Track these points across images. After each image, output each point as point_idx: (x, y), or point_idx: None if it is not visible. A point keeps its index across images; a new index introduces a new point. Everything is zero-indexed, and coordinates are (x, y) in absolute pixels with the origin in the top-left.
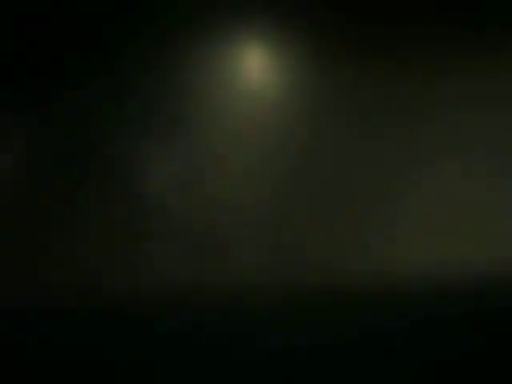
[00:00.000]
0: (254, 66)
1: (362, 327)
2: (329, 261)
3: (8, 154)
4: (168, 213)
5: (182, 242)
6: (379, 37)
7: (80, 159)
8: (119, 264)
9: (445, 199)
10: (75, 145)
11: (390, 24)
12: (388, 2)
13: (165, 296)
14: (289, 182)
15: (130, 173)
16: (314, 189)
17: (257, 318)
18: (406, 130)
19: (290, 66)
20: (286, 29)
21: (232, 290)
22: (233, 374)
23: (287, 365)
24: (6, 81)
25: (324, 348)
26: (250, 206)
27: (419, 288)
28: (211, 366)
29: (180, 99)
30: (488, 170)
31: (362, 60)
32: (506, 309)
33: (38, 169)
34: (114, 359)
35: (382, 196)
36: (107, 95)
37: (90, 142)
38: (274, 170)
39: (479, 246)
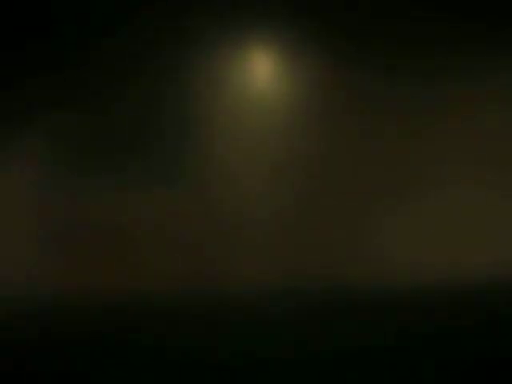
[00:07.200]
0: (260, 71)
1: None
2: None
3: None
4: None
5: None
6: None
7: None
8: None
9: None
10: None
11: (405, 23)
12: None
13: None
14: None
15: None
16: (327, 191)
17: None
18: (419, 132)
19: (298, 68)
20: (292, 31)
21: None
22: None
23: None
24: None
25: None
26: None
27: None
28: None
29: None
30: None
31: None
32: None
33: None
34: None
35: (395, 198)
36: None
37: None
38: (284, 174)
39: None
